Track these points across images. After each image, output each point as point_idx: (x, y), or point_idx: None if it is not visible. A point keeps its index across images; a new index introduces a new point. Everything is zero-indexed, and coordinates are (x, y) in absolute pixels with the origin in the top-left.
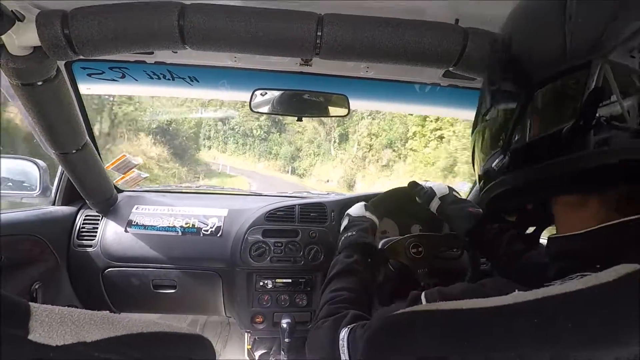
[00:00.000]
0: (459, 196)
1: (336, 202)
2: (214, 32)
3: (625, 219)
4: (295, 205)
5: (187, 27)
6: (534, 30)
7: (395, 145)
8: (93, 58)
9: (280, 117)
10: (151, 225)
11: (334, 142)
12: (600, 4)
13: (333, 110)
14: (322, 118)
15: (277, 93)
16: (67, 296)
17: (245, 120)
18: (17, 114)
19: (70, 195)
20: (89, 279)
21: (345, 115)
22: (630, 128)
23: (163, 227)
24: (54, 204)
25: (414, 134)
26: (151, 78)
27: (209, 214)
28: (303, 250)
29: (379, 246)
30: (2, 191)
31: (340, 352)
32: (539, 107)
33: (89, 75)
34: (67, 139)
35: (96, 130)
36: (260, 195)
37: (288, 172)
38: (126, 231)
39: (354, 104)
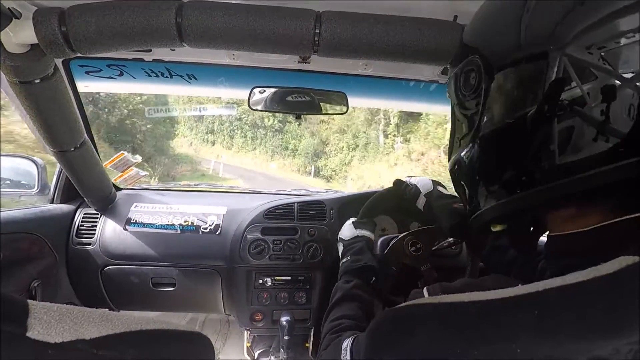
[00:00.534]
0: (444, 191)
1: (335, 200)
2: (212, 30)
3: (627, 217)
4: (294, 203)
5: (185, 25)
6: (495, 21)
7: None
8: (91, 56)
9: None
10: (150, 223)
11: (387, 125)
12: (557, 2)
13: (332, 108)
14: None
15: (275, 91)
16: (66, 294)
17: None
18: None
19: (68, 193)
20: (88, 277)
21: (344, 113)
22: (592, 113)
23: (162, 225)
24: (52, 202)
25: None
26: (149, 76)
27: (208, 212)
28: (302, 248)
29: (378, 244)
30: (1, 189)
31: (342, 358)
32: (500, 92)
33: (87, 73)
34: (65, 137)
35: None
36: (259, 193)
37: (310, 173)
38: (125, 229)
39: (353, 101)
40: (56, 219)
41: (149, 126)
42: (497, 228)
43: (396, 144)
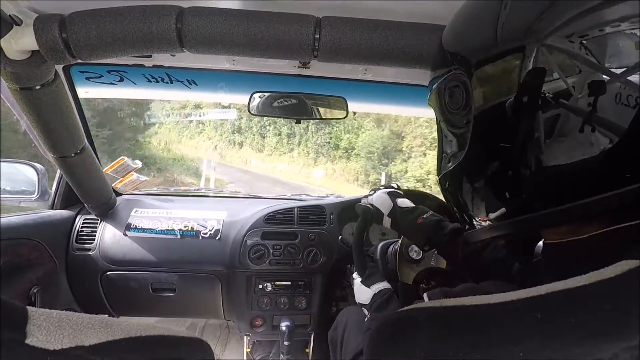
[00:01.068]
0: (404, 203)
1: (335, 205)
2: (212, 35)
3: (629, 223)
4: (294, 207)
5: (185, 31)
6: (473, 19)
7: None
8: (91, 62)
9: None
10: (150, 229)
11: None
12: None
13: (331, 113)
14: None
15: (275, 96)
16: (66, 300)
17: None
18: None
19: (68, 199)
20: (87, 283)
21: (343, 118)
22: (577, 102)
23: (162, 230)
24: (52, 208)
25: None
26: (149, 81)
27: (207, 217)
28: (302, 253)
29: (378, 248)
30: (1, 195)
31: None
32: (479, 85)
33: (87, 79)
34: (66, 143)
35: None
36: (259, 197)
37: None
38: (125, 234)
39: (353, 106)
40: (56, 224)
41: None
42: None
43: None
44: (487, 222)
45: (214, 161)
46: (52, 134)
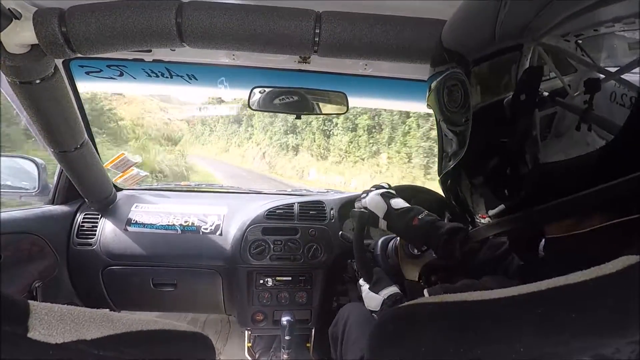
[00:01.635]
0: (398, 203)
1: (335, 200)
2: (212, 30)
3: (631, 217)
4: (294, 203)
5: (185, 25)
6: (472, 17)
7: None
8: (91, 56)
9: None
10: (150, 224)
11: None
12: None
13: (332, 108)
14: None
15: (275, 91)
16: (67, 294)
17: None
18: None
19: (69, 194)
20: (88, 277)
21: (344, 113)
22: (573, 100)
23: (162, 225)
24: (52, 203)
25: None
26: (149, 76)
27: (208, 213)
28: (303, 248)
29: (379, 244)
30: (1, 190)
31: None
32: (477, 83)
33: (87, 73)
34: (66, 137)
35: None
36: (259, 193)
37: None
38: (125, 230)
39: (353, 101)
40: (57, 219)
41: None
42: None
43: None
44: (487, 219)
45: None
46: (52, 129)
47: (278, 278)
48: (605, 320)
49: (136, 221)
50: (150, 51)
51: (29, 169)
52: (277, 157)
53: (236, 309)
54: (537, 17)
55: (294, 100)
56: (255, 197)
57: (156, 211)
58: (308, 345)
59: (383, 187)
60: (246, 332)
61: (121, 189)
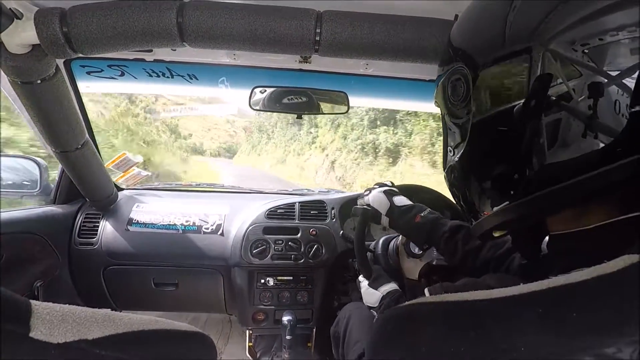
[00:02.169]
0: (401, 201)
1: (336, 200)
2: (213, 30)
3: (629, 215)
4: (295, 202)
5: (186, 25)
6: (481, 18)
7: None
8: (92, 56)
9: None
10: (151, 224)
11: None
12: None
13: (333, 108)
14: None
15: (276, 90)
16: (69, 294)
17: None
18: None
19: (70, 194)
20: (90, 277)
21: (345, 112)
22: (578, 105)
23: (163, 225)
24: (54, 203)
25: None
26: (150, 76)
27: (209, 212)
28: (304, 248)
29: (380, 243)
30: (2, 190)
31: None
32: (486, 94)
33: (88, 73)
34: (67, 137)
35: None
36: (260, 192)
37: None
38: (127, 229)
39: (354, 100)
40: (58, 219)
41: None
42: (498, 234)
43: None
44: (493, 210)
45: None
46: (53, 128)
47: (279, 277)
48: (606, 320)
49: (137, 221)
50: (151, 51)
51: (30, 168)
52: (356, 168)
53: (237, 308)
54: (544, 21)
55: (290, 102)
56: (256, 196)
57: (157, 211)
58: (309, 344)
59: (386, 185)
60: (247, 331)
61: (122, 189)
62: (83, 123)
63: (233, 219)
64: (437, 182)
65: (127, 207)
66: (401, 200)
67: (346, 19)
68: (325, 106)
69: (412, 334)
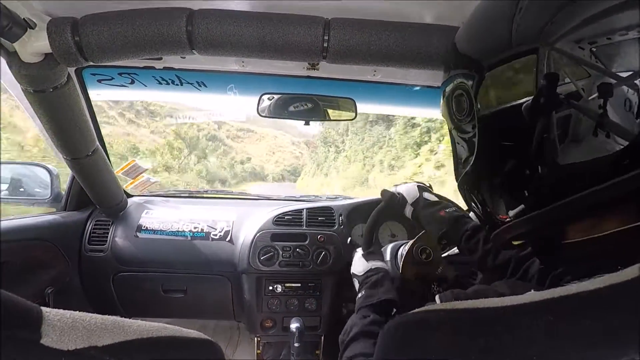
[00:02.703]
0: (430, 197)
1: (344, 206)
2: (222, 37)
3: None
4: (303, 209)
5: (195, 33)
6: (487, 21)
7: None
8: (102, 64)
9: None
10: (160, 230)
11: None
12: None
13: (340, 114)
14: None
15: (284, 97)
16: (79, 300)
17: None
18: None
19: (80, 201)
20: (100, 284)
21: (352, 119)
22: (588, 104)
23: (172, 231)
24: (64, 210)
25: None
26: (160, 83)
27: (217, 219)
28: (312, 254)
29: (388, 249)
30: (15, 197)
31: None
32: (492, 87)
33: (99, 81)
34: (78, 144)
35: None
36: (268, 199)
37: None
38: (136, 236)
39: (362, 107)
40: (69, 226)
41: None
42: (517, 243)
43: None
44: (507, 219)
45: None
46: (65, 136)
47: (287, 284)
48: (618, 329)
49: (146, 227)
50: (160, 59)
51: (42, 175)
52: None
53: (245, 315)
54: (551, 22)
55: (296, 110)
56: (264, 203)
57: (166, 218)
58: (317, 352)
59: (423, 184)
60: (255, 338)
61: (132, 196)
62: (93, 130)
63: (241, 225)
64: None
65: (137, 213)
66: (430, 196)
67: (354, 26)
68: (332, 112)
69: (422, 341)
